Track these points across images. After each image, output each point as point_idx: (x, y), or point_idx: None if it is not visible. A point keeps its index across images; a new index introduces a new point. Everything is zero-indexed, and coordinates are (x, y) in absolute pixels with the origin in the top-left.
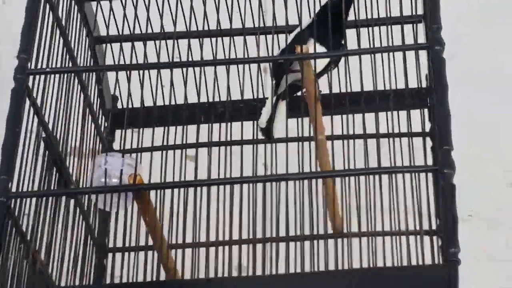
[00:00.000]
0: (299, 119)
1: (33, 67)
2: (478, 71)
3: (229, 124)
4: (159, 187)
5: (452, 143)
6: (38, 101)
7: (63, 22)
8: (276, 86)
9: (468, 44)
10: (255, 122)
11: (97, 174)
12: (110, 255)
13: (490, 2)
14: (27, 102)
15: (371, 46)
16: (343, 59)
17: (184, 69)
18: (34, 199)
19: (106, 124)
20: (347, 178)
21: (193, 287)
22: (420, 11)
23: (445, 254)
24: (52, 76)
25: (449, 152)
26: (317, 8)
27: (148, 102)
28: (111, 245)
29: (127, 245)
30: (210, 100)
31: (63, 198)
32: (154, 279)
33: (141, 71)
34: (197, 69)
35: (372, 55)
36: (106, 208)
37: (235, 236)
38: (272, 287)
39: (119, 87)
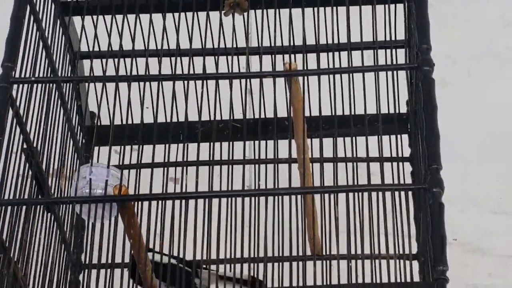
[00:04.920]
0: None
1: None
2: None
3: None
4: (145, 199)
5: (440, 162)
6: (21, 111)
7: (47, 35)
8: None
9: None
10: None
11: (81, 184)
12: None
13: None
14: (10, 112)
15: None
16: None
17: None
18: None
19: (83, 141)
20: (331, 197)
21: None
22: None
23: (433, 272)
24: (35, 88)
25: (438, 171)
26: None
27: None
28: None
29: (103, 261)
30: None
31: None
32: None
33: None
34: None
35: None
36: (90, 219)
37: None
38: None
39: (98, 104)
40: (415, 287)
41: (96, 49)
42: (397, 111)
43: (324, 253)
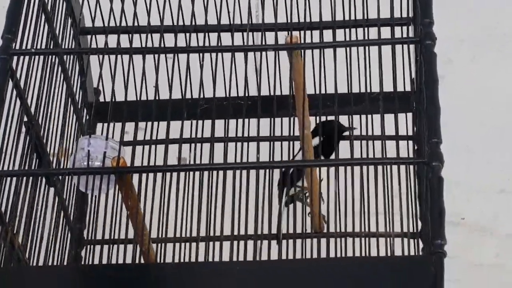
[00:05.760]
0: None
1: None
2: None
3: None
4: (143, 171)
5: (441, 136)
6: (21, 83)
7: (49, 9)
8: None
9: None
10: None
11: (79, 156)
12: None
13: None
14: (10, 84)
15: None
16: None
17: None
18: (14, 181)
19: (87, 117)
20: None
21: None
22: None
23: (431, 246)
24: (36, 60)
25: (437, 145)
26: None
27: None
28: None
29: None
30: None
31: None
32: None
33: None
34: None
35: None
36: (88, 191)
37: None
38: (252, 273)
39: (102, 81)
40: (412, 261)
41: (101, 24)
42: (402, 89)
43: (324, 231)
